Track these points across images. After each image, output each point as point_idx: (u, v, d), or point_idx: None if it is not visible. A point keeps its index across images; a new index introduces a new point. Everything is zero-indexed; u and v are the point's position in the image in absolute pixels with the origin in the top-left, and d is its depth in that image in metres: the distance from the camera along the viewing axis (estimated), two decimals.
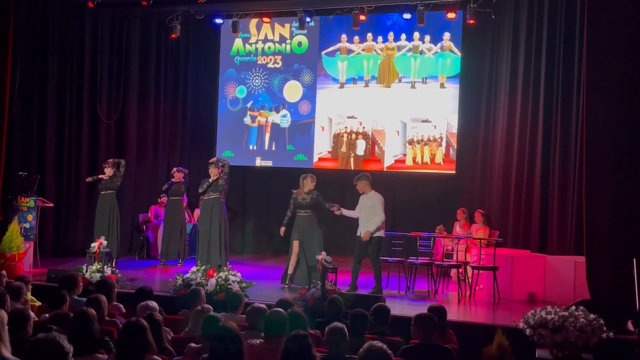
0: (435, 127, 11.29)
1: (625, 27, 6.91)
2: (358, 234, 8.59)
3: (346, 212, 8.86)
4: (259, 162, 12.39)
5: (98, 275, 7.97)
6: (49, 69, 10.89)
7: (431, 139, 11.28)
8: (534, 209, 9.45)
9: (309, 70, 12.14)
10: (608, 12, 7.01)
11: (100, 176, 10.05)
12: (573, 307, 5.69)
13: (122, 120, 11.69)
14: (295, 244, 8.83)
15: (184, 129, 12.55)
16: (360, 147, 11.71)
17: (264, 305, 4.92)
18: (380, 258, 8.62)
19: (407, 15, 10.56)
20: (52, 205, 10.28)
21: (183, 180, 10.38)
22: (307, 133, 12.11)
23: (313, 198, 8.90)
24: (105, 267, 8.33)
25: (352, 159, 11.76)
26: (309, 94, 12.14)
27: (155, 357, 3.86)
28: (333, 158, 11.92)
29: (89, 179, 10.25)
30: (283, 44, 12.33)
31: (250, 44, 12.49)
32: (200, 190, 9.53)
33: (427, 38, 11.31)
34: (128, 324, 3.87)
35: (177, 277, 7.91)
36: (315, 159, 12.03)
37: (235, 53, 12.58)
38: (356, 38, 11.78)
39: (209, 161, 9.78)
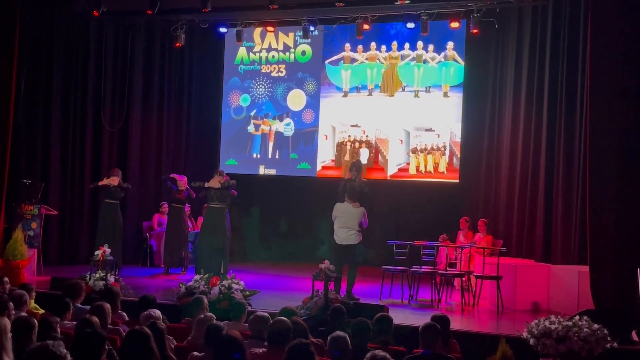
0: (438, 135, 11.29)
1: (629, 34, 6.91)
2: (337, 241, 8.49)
3: None
4: (262, 170, 12.40)
5: (101, 283, 7.97)
6: (54, 77, 10.90)
7: (435, 147, 11.28)
8: (538, 218, 9.43)
9: (312, 79, 12.17)
10: (612, 19, 7.01)
11: (102, 183, 10.02)
12: (577, 317, 5.67)
13: (126, 128, 11.70)
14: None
15: (187, 138, 12.57)
16: (364, 155, 11.70)
17: (267, 314, 4.91)
18: (383, 267, 8.63)
19: (410, 25, 10.56)
20: (56, 213, 10.28)
21: (186, 187, 10.40)
22: (310, 141, 12.12)
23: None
24: (109, 275, 8.33)
25: None
26: (313, 103, 12.15)
27: None
28: (336, 166, 11.91)
29: (92, 186, 10.25)
30: (287, 53, 12.36)
31: (254, 53, 12.53)
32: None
33: (431, 47, 11.33)
34: (131, 332, 3.88)
35: (180, 285, 7.91)
36: (319, 167, 12.03)
37: (239, 62, 12.62)
38: (360, 47, 11.80)
39: (217, 171, 9.81)
